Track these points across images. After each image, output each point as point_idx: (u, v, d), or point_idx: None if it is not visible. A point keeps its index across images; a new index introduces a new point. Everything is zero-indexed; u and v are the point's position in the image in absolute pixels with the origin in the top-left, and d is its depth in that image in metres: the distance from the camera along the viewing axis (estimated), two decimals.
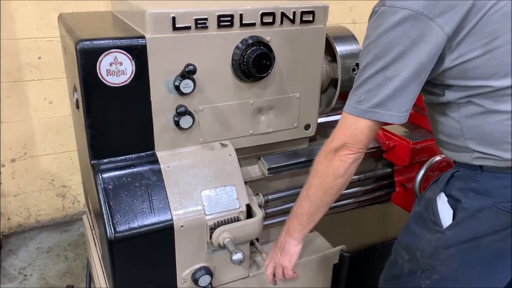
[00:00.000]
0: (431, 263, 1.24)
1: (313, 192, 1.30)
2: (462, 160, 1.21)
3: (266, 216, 1.72)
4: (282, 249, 1.45)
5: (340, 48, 1.69)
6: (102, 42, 1.29)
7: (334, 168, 1.22)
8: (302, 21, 1.51)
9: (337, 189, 1.27)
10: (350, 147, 1.18)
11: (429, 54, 1.05)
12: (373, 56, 1.10)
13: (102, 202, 1.36)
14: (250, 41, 1.42)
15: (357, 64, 1.71)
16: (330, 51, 1.73)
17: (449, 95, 1.15)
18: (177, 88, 1.38)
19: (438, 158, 1.80)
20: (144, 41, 1.32)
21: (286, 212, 1.79)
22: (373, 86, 1.11)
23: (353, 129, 1.17)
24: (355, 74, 1.70)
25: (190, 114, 1.43)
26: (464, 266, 1.22)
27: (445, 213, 1.22)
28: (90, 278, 2.21)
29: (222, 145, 1.54)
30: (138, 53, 1.32)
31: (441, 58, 1.08)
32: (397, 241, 1.39)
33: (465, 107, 1.14)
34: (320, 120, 1.92)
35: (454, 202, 1.21)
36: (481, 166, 1.17)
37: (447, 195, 1.23)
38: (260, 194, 1.68)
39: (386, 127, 1.90)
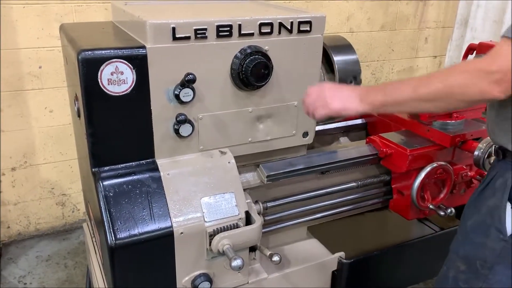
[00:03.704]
0: (490, 277, 1.20)
1: (434, 87, 1.14)
2: None
3: (265, 223, 1.73)
4: (336, 92, 1.32)
5: (337, 58, 1.72)
6: (103, 52, 1.31)
7: (477, 91, 1.07)
8: (299, 31, 1.54)
9: (453, 107, 1.19)
10: (506, 82, 1.04)
11: None
12: None
13: (103, 210, 1.38)
14: (248, 51, 1.45)
15: (354, 77, 1.72)
16: (327, 59, 1.76)
17: None
18: (177, 96, 1.40)
19: (435, 165, 1.81)
20: (144, 51, 1.35)
21: (285, 219, 1.82)
22: None
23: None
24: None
25: (189, 122, 1.45)
26: None
27: (510, 220, 1.18)
28: (90, 286, 2.22)
29: (221, 152, 1.56)
30: (139, 63, 1.35)
31: None
32: (452, 252, 1.34)
33: None
34: (318, 128, 1.94)
35: None
36: None
37: (510, 200, 1.19)
38: (259, 201, 1.70)
39: (383, 135, 1.92)
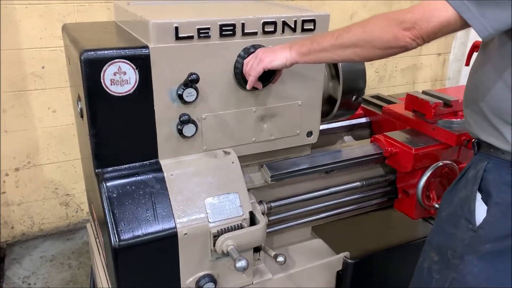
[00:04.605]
0: (461, 268, 1.22)
1: (354, 32, 1.19)
2: (503, 147, 1.15)
3: (269, 223, 1.72)
4: (269, 49, 1.39)
5: None
6: (106, 52, 1.30)
7: (391, 37, 1.12)
8: (303, 30, 1.52)
9: (373, 55, 1.19)
10: (416, 30, 1.08)
11: None
12: None
13: (106, 211, 1.37)
14: (252, 50, 1.44)
15: (358, 93, 1.73)
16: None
17: None
18: (180, 96, 1.40)
19: (440, 164, 1.80)
20: (147, 51, 1.34)
21: (289, 219, 1.81)
22: None
23: (431, 13, 1.06)
24: (354, 100, 1.73)
25: (193, 122, 1.44)
26: (494, 272, 1.18)
27: (480, 211, 1.20)
28: (94, 287, 2.22)
29: (225, 152, 1.55)
30: (142, 63, 1.34)
31: None
32: (426, 243, 1.37)
33: None
34: (322, 127, 1.93)
35: (485, 197, 1.19)
36: None
37: (480, 191, 1.20)
38: (263, 201, 1.69)
39: (387, 134, 1.91)
